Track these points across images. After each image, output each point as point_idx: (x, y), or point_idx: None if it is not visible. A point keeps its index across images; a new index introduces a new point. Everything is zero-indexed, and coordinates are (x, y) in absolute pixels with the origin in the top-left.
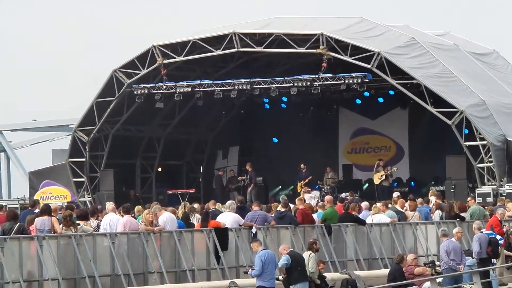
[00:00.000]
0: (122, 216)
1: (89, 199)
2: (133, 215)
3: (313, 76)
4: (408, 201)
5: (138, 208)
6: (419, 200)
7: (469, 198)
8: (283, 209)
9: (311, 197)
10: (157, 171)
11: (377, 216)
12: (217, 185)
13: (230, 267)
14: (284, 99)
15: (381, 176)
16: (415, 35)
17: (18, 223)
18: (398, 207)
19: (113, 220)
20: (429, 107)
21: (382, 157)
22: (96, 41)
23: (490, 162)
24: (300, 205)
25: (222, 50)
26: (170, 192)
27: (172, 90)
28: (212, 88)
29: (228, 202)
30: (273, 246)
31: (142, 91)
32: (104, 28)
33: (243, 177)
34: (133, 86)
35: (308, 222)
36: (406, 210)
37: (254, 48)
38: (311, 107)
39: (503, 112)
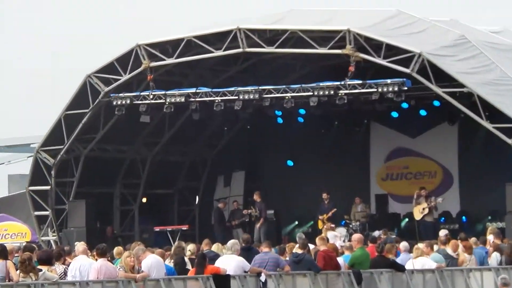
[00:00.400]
0: (96, 259)
1: (54, 238)
2: (109, 258)
3: (338, 83)
4: (459, 240)
5: (117, 249)
6: (473, 239)
7: None
8: (300, 251)
9: (335, 236)
10: (141, 202)
11: (419, 260)
12: (217, 221)
13: None
14: (302, 111)
15: (423, 209)
16: (466, 31)
17: None
18: (448, 249)
19: (84, 265)
20: (484, 122)
21: (425, 185)
22: (66, 40)
23: None
24: (322, 245)
25: (223, 51)
26: (157, 229)
27: (161, 100)
28: (211, 98)
29: (230, 242)
30: None
31: (123, 102)
32: (77, 24)
33: (249, 210)
34: (111, 95)
35: (332, 267)
36: (457, 253)
37: (263, 48)
38: (336, 121)
39: None
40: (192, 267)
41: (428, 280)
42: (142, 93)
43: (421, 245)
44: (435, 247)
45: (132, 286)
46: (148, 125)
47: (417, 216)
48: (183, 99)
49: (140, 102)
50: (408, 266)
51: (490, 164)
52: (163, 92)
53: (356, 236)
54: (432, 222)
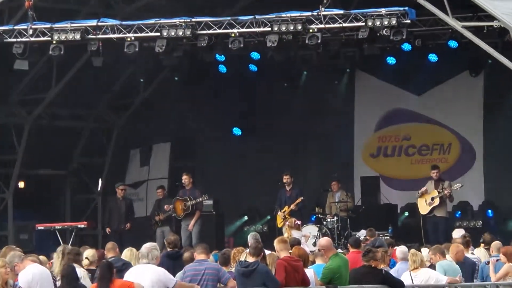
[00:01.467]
0: None
1: None
2: None
3: (309, 13)
4: (482, 245)
5: None
6: (499, 244)
7: None
8: (251, 259)
9: (302, 237)
10: (17, 188)
11: (422, 272)
12: (130, 214)
13: None
14: (255, 56)
15: (432, 199)
16: None
17: None
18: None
19: None
20: None
21: (436, 162)
22: None
23: None
24: (283, 251)
25: None
26: (40, 227)
27: (46, 38)
28: (121, 35)
29: (147, 247)
30: None
31: None
32: None
33: (170, 206)
34: None
35: (296, 282)
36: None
37: None
38: (304, 70)
39: None
40: (92, 283)
41: None
42: (17, 27)
43: (425, 252)
44: (448, 256)
45: None
46: (26, 75)
47: (423, 209)
48: (78, 36)
49: (14, 40)
50: (407, 281)
51: None
52: (48, 26)
53: (323, 240)
54: (445, 218)
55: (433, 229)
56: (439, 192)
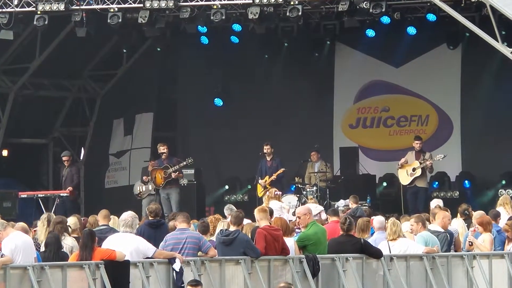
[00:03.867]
0: None
1: None
2: None
3: None
4: (458, 214)
5: None
6: (478, 214)
7: None
8: (232, 228)
9: (282, 208)
10: (0, 156)
11: (401, 242)
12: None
13: None
14: (236, 28)
15: (414, 170)
16: None
17: None
18: (439, 226)
19: None
20: (498, 45)
21: (414, 133)
22: None
23: None
24: (263, 220)
25: None
26: (23, 195)
27: (30, 8)
28: (104, 6)
29: (126, 214)
30: None
31: None
32: None
33: (148, 177)
34: None
35: (276, 251)
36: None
37: None
38: (285, 42)
39: None
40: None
41: (413, 270)
42: None
43: (405, 223)
44: (428, 225)
45: None
46: (11, 45)
47: (404, 180)
48: (62, 7)
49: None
50: (385, 250)
51: (507, 106)
52: None
53: (301, 209)
54: (425, 188)
55: (413, 199)
56: (420, 163)
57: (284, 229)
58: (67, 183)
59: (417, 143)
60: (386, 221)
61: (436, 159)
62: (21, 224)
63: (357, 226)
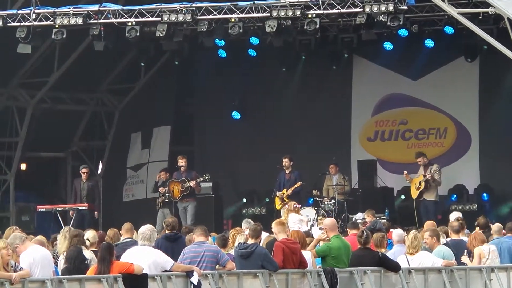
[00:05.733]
0: None
1: None
2: None
3: None
4: (477, 228)
5: None
6: (496, 226)
7: None
8: (250, 241)
9: (300, 221)
10: (19, 170)
11: (419, 255)
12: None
13: None
14: (254, 41)
15: (420, 183)
16: None
17: None
18: (464, 238)
19: None
20: None
21: (431, 148)
22: None
23: None
24: (281, 233)
25: None
26: (41, 208)
27: (49, 22)
28: (122, 19)
29: (144, 228)
30: None
31: None
32: None
33: (165, 188)
34: None
35: (294, 264)
36: (471, 244)
37: None
38: (303, 55)
39: None
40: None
41: (431, 283)
42: (20, 11)
43: (423, 235)
44: (444, 238)
45: None
46: (29, 59)
47: (413, 194)
48: (80, 21)
49: (18, 24)
50: (403, 263)
51: None
52: (51, 10)
53: (328, 221)
54: (434, 201)
55: (425, 212)
56: (424, 176)
57: (301, 242)
58: (87, 196)
59: (419, 160)
60: (406, 234)
61: (435, 172)
62: (40, 237)
63: (373, 239)
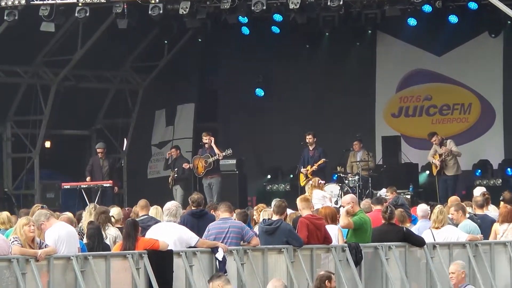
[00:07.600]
0: None
1: None
2: None
3: None
4: (502, 202)
5: (4, 215)
6: None
7: None
8: (275, 217)
9: (324, 197)
10: (43, 147)
11: (444, 230)
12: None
13: None
14: (277, 18)
15: (438, 160)
16: None
17: None
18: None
19: None
20: None
21: (455, 123)
22: None
23: None
24: (306, 209)
25: None
26: (66, 185)
27: (72, 0)
28: None
29: (170, 204)
30: (255, 284)
31: (16, 2)
32: None
33: (190, 165)
34: None
35: (319, 240)
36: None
37: None
38: (326, 32)
39: None
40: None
41: (456, 257)
42: None
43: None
44: (469, 212)
45: (31, 266)
46: (52, 37)
47: (434, 170)
48: None
49: (41, 2)
50: (428, 238)
51: None
52: None
53: (348, 197)
54: (453, 176)
55: (443, 187)
56: (440, 156)
57: (331, 217)
58: (110, 173)
59: (433, 140)
60: (431, 209)
61: (449, 150)
62: (68, 214)
63: (397, 214)
